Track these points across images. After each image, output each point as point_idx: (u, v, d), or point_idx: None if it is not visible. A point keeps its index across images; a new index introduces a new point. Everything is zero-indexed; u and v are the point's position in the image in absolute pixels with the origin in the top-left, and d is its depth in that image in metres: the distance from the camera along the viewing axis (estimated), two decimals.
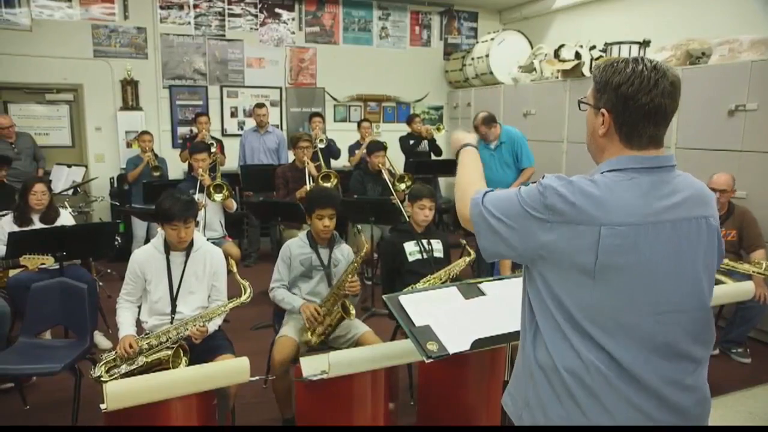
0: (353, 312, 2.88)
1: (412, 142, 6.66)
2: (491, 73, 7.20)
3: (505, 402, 1.40)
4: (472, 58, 7.52)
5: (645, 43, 5.52)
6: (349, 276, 2.88)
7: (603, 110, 1.24)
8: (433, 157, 6.71)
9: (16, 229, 3.68)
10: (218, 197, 4.60)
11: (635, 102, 1.18)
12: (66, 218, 4.01)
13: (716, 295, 3.22)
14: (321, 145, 5.70)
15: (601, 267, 1.16)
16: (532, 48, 7.04)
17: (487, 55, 7.19)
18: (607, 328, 1.18)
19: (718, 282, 3.57)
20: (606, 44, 5.77)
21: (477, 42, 7.87)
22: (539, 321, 1.26)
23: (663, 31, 5.44)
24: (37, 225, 3.79)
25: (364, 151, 5.64)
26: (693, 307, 1.23)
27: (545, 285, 1.24)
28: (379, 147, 5.22)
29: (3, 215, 4.06)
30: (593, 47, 5.82)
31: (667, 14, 5.71)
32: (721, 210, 3.83)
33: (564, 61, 5.92)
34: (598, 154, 1.29)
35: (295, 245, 3.05)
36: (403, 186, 5.07)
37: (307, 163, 5.05)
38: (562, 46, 6.10)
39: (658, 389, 1.19)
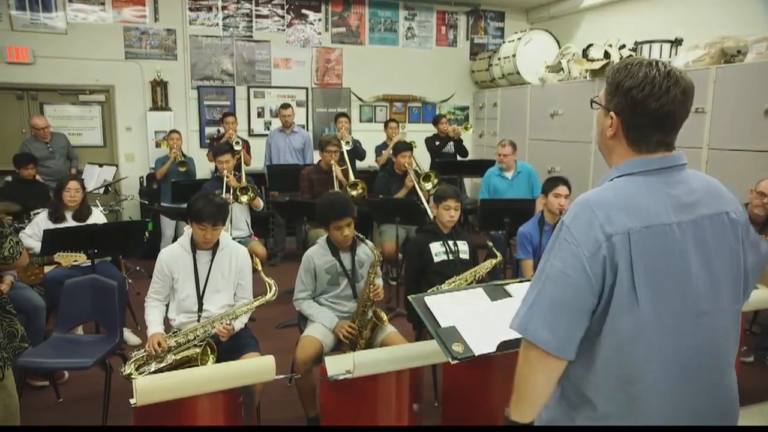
0: (386, 318, 2.90)
1: (437, 143, 6.64)
2: (518, 73, 7.13)
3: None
4: (499, 58, 7.46)
5: (677, 42, 5.41)
6: (371, 285, 2.89)
7: (612, 113, 1.22)
8: (459, 159, 6.68)
9: (50, 225, 3.77)
10: (244, 199, 4.67)
11: (644, 108, 1.17)
12: (98, 216, 4.09)
13: (749, 301, 3.15)
14: (347, 147, 5.70)
15: (639, 275, 1.12)
16: (559, 47, 6.95)
17: (514, 55, 7.12)
18: (648, 349, 1.15)
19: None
20: (636, 43, 5.68)
21: (504, 42, 7.81)
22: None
23: (696, 29, 5.32)
24: (70, 222, 3.89)
25: (391, 151, 5.64)
26: (728, 304, 1.22)
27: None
28: (405, 147, 5.22)
29: (37, 213, 4.18)
30: (623, 46, 5.72)
31: (700, 11, 5.57)
32: (762, 214, 3.72)
33: (592, 60, 5.83)
34: (607, 154, 1.29)
35: (317, 255, 3.01)
36: (428, 185, 5.05)
37: (334, 167, 5.06)
38: (590, 45, 6.02)
39: (690, 398, 1.19)
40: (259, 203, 4.81)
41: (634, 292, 1.12)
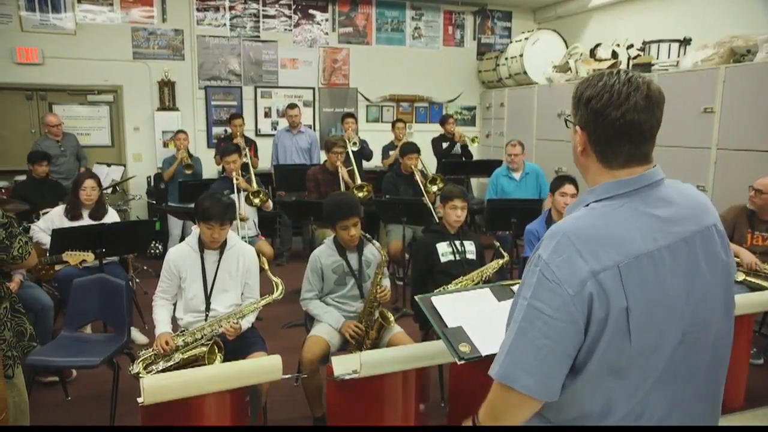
0: (392, 318, 2.90)
1: (445, 145, 6.63)
2: (525, 73, 7.11)
3: None
4: (506, 58, 7.44)
5: (685, 41, 5.38)
6: (378, 286, 2.89)
7: (577, 127, 1.18)
8: (465, 160, 6.68)
9: (66, 222, 3.81)
10: (257, 201, 4.69)
11: (605, 118, 1.11)
12: (113, 216, 4.11)
13: (760, 302, 3.13)
14: (354, 148, 5.69)
15: (633, 308, 1.05)
16: (567, 47, 6.93)
17: (521, 55, 7.10)
18: (633, 372, 1.09)
19: (761, 288, 3.44)
20: (644, 42, 5.65)
21: (511, 42, 7.79)
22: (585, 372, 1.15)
23: (705, 29, 5.28)
24: (87, 221, 3.91)
25: (398, 153, 5.66)
26: (722, 316, 1.18)
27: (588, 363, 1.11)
28: (412, 149, 5.23)
29: (46, 213, 4.20)
30: (630, 46, 5.70)
31: (709, 11, 5.54)
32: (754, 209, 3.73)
33: (600, 60, 5.81)
34: (583, 172, 1.22)
35: (324, 255, 3.02)
36: (434, 188, 5.05)
37: (340, 168, 5.07)
38: (598, 45, 5.99)
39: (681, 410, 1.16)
40: (270, 205, 4.83)
41: (627, 327, 1.04)
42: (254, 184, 4.80)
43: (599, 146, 1.15)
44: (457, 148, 6.62)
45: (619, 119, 1.10)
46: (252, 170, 5.05)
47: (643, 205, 1.11)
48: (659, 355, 1.09)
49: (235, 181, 4.64)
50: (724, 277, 1.18)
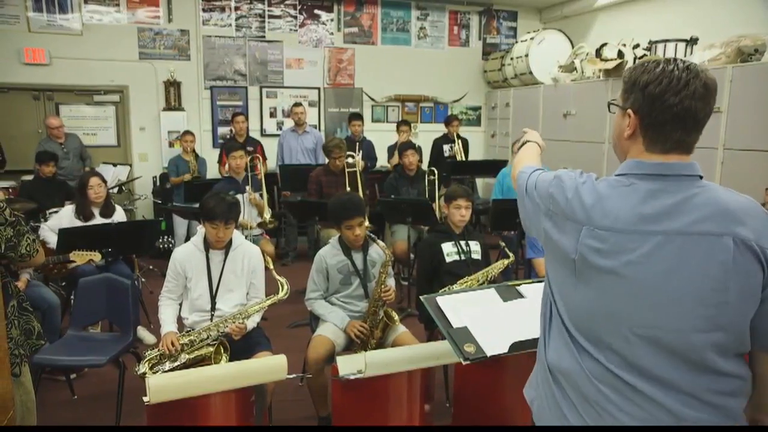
0: (397, 318, 2.90)
1: (446, 151, 6.63)
2: (531, 73, 7.09)
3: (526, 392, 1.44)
4: (512, 58, 7.43)
5: (692, 41, 5.35)
6: (382, 285, 2.89)
7: (629, 111, 1.17)
8: (469, 160, 6.69)
9: (76, 222, 3.84)
10: (266, 217, 4.72)
11: (663, 102, 1.11)
12: (120, 215, 4.14)
13: None
14: (356, 158, 5.61)
15: (581, 266, 1.17)
16: (572, 47, 6.91)
17: (527, 55, 7.09)
18: (588, 335, 1.20)
19: None
20: (650, 42, 5.62)
21: (516, 41, 7.77)
22: (554, 320, 1.30)
23: (712, 28, 5.26)
24: (98, 219, 3.93)
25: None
26: (681, 329, 1.09)
27: (548, 282, 1.31)
28: (408, 146, 5.30)
29: (54, 212, 4.22)
30: (637, 46, 5.67)
31: (716, 10, 5.51)
32: None
33: (606, 60, 5.78)
34: (622, 157, 1.24)
35: (329, 255, 3.02)
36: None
37: (347, 174, 5.06)
38: (604, 44, 5.97)
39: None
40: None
41: (575, 279, 1.20)
42: (266, 207, 4.76)
43: (651, 131, 1.16)
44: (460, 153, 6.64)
45: (676, 105, 1.11)
46: (264, 188, 4.96)
47: (645, 192, 1.13)
48: (604, 329, 1.17)
49: (247, 196, 4.64)
50: (715, 289, 1.07)
